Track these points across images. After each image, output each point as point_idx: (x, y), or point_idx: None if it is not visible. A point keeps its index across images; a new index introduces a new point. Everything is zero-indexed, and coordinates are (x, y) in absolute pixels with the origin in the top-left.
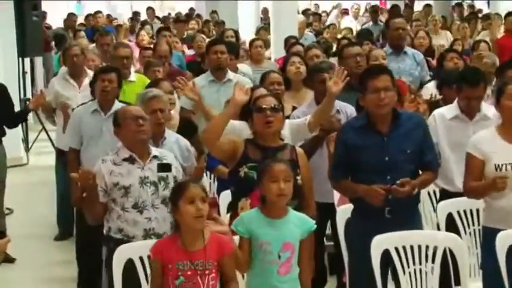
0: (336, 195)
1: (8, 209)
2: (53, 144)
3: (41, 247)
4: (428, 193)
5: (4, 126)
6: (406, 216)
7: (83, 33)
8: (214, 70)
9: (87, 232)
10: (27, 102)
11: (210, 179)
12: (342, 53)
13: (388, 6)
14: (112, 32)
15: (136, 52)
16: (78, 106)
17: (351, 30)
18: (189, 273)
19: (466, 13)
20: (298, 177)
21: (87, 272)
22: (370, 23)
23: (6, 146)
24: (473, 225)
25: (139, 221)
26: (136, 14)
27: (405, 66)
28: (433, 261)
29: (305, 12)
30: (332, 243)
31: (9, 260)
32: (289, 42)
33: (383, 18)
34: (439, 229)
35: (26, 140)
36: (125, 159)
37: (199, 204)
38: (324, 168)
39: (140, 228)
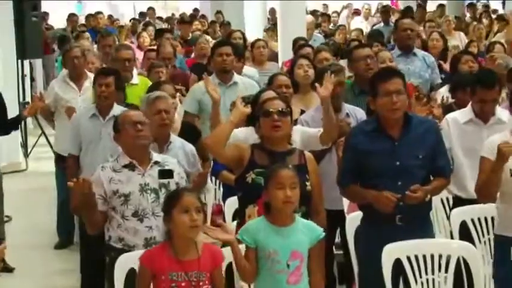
0: (346, 202)
1: (6, 216)
2: (52, 149)
3: (41, 256)
4: (442, 200)
5: None
6: (418, 224)
7: (87, 34)
8: (219, 73)
9: (91, 240)
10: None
11: (216, 185)
12: (352, 55)
13: (401, 6)
14: (114, 33)
15: (137, 54)
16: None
17: (361, 31)
18: (183, 284)
19: (485, 20)
20: (307, 183)
21: (90, 282)
22: (381, 24)
23: (4, 152)
24: (488, 233)
25: (139, 229)
26: (142, 15)
27: (415, 68)
28: (446, 270)
29: (313, 13)
30: (341, 252)
31: (8, 269)
32: (297, 44)
33: (394, 19)
34: (452, 237)
35: (25, 145)
36: (124, 166)
37: (194, 214)
38: (333, 174)
39: (141, 237)
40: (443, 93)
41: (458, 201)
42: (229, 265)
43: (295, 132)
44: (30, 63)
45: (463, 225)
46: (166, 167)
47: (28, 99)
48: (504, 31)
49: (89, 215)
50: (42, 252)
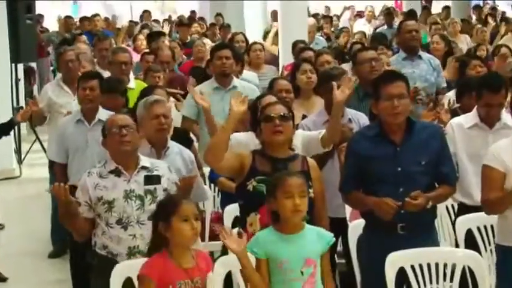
0: (348, 210)
1: None
2: (46, 155)
3: (35, 265)
4: (447, 207)
5: None
6: (421, 233)
7: (84, 37)
8: (218, 76)
9: (78, 246)
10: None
11: (214, 192)
12: (356, 57)
13: (404, 7)
14: (111, 36)
15: (134, 57)
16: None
17: (364, 34)
18: None
19: (491, 21)
20: (310, 190)
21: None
22: (385, 27)
23: None
24: (494, 242)
25: (123, 237)
26: (191, 19)
27: (420, 72)
28: (451, 279)
29: (315, 15)
30: (343, 261)
31: (1, 278)
32: (297, 47)
33: (398, 21)
34: (457, 246)
35: (18, 151)
36: (111, 172)
37: (193, 223)
38: (335, 181)
39: (124, 245)
40: (450, 97)
41: (464, 209)
42: (228, 274)
43: (296, 137)
44: (31, 66)
45: (469, 233)
46: (155, 172)
47: (22, 103)
48: (510, 34)
49: (71, 222)
50: (36, 261)
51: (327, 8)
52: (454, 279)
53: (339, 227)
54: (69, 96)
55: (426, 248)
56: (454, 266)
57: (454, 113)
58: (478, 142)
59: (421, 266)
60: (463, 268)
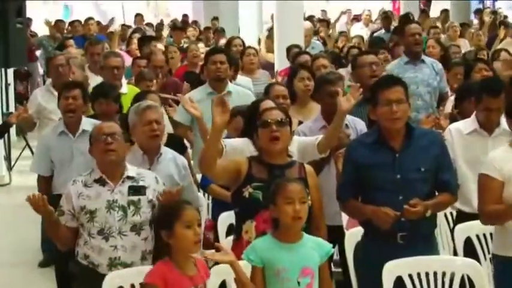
0: (345, 218)
1: None
2: None
3: (25, 274)
4: (445, 215)
5: None
6: (421, 242)
7: (71, 41)
8: (213, 81)
9: (66, 258)
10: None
11: (208, 199)
12: (356, 62)
13: (402, 11)
14: (104, 40)
15: (128, 61)
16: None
17: (362, 38)
18: None
19: (487, 19)
20: (308, 197)
21: None
22: (382, 31)
23: None
24: (491, 252)
25: (104, 248)
26: (185, 22)
27: (423, 76)
28: None
29: (310, 18)
30: (340, 269)
31: None
32: (292, 52)
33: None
34: (456, 254)
35: (8, 158)
36: (95, 181)
37: (197, 229)
38: (332, 188)
39: (105, 256)
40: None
41: (462, 216)
42: (223, 282)
43: (292, 143)
44: (27, 71)
45: (468, 241)
46: (141, 183)
47: (12, 109)
48: (509, 38)
49: (53, 232)
50: (26, 271)
51: (324, 12)
52: None
53: (335, 235)
54: None
55: (424, 256)
56: (452, 275)
57: (453, 119)
58: (477, 148)
59: (419, 275)
60: (462, 277)
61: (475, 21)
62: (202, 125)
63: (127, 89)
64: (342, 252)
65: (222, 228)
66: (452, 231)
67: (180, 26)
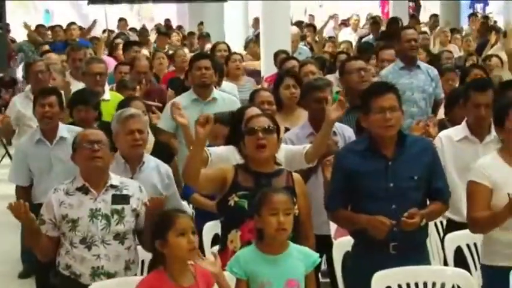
0: (333, 227)
1: None
2: None
3: (4, 286)
4: (435, 224)
5: None
6: (413, 252)
7: (46, 46)
8: (197, 88)
9: (47, 269)
10: None
11: (193, 208)
12: (344, 67)
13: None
14: (87, 45)
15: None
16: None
17: (350, 44)
18: None
19: (474, 26)
20: (295, 207)
21: None
22: (370, 36)
23: None
24: (480, 262)
25: (86, 257)
26: (168, 27)
27: (419, 82)
28: None
29: (298, 24)
30: (328, 280)
31: None
32: (279, 57)
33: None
34: (446, 264)
35: None
36: (78, 189)
37: (191, 236)
38: (319, 197)
39: (87, 266)
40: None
41: (453, 225)
42: None
43: (279, 151)
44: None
45: (458, 251)
46: (124, 192)
47: None
48: (500, 43)
49: (33, 242)
50: (5, 282)
51: (311, 17)
52: None
53: (323, 244)
54: None
55: (414, 266)
56: (443, 285)
57: (443, 126)
58: (467, 155)
59: (408, 285)
60: (453, 287)
61: (465, 27)
62: (188, 133)
63: (110, 95)
64: (329, 262)
65: (207, 238)
66: (442, 240)
67: (163, 31)
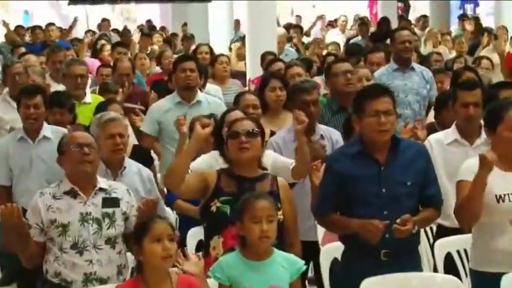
0: (320, 233)
1: None
2: None
3: None
4: (425, 230)
5: None
6: (405, 259)
7: (23, 49)
8: (182, 90)
9: (31, 276)
10: None
11: (176, 214)
12: (330, 70)
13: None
14: (66, 46)
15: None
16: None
17: (338, 45)
18: None
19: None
20: (279, 212)
21: None
22: (359, 37)
23: None
24: (469, 267)
25: (78, 263)
26: (151, 28)
27: (412, 84)
28: None
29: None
30: (315, 287)
31: None
32: (267, 59)
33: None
34: (436, 271)
35: None
36: (66, 193)
37: (166, 243)
38: (306, 201)
39: (79, 272)
40: None
41: (442, 231)
42: None
43: (267, 157)
44: None
45: (448, 257)
46: (113, 195)
47: None
48: (491, 45)
49: (22, 248)
50: None
51: (298, 18)
52: None
53: (310, 251)
54: (16, 112)
55: (404, 273)
56: None
57: (432, 130)
58: (457, 159)
59: None
60: None
61: (454, 28)
62: (182, 143)
63: (91, 98)
64: (317, 268)
65: (191, 243)
66: (432, 246)
67: (146, 32)
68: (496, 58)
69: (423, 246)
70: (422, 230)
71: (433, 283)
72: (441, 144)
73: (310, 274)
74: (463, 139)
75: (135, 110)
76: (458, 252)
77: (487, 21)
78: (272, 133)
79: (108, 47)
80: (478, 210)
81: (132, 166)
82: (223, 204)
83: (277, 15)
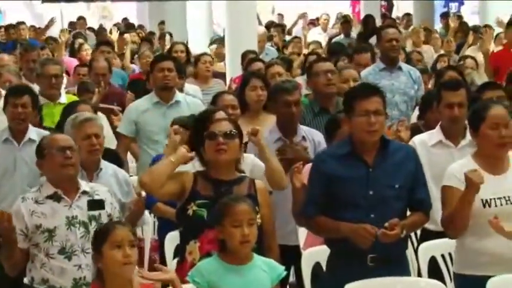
0: (302, 237)
1: None
2: None
3: None
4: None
5: None
6: (392, 264)
7: None
8: (159, 90)
9: (12, 284)
10: None
11: (154, 217)
12: (311, 69)
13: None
14: (38, 45)
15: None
16: None
17: (320, 44)
18: None
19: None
20: (257, 216)
21: None
22: (341, 36)
23: None
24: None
25: (67, 268)
26: (128, 26)
27: (399, 84)
28: None
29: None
30: None
31: None
32: (247, 58)
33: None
34: (420, 275)
35: None
36: (48, 197)
37: (127, 250)
38: (287, 205)
39: (69, 277)
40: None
41: (427, 234)
42: None
43: (246, 161)
44: None
45: (432, 261)
46: (96, 197)
47: None
48: (477, 44)
49: (8, 255)
50: None
51: (280, 16)
52: None
53: (291, 255)
54: None
55: (387, 277)
56: None
57: (417, 130)
58: (442, 160)
59: None
60: None
61: (437, 26)
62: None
63: (66, 98)
64: (298, 273)
65: (169, 248)
66: (416, 250)
67: (123, 31)
68: (480, 57)
69: (407, 250)
70: None
71: (417, 287)
72: (425, 145)
73: (291, 279)
74: (447, 140)
75: (114, 110)
76: (442, 256)
77: (472, 20)
78: None
79: (86, 46)
80: (466, 222)
81: (107, 168)
82: (200, 207)
83: (258, 14)
